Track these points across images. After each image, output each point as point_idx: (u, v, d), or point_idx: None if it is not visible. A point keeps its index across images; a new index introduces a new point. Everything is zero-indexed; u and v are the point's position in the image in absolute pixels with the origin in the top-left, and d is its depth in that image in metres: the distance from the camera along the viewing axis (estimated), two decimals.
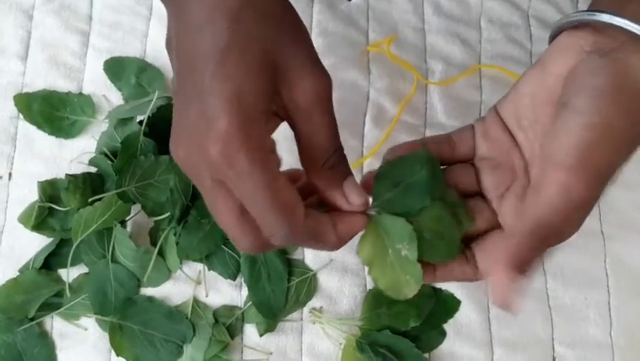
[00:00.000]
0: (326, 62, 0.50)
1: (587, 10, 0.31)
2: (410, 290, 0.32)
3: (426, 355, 0.43)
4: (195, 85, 0.26)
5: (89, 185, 0.44)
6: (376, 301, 0.43)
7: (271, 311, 0.43)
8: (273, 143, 0.30)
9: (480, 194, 0.34)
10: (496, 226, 0.33)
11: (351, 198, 0.30)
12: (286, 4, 0.29)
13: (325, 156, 0.29)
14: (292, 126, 0.29)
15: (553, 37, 0.33)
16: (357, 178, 0.47)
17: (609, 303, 0.45)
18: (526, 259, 0.30)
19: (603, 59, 0.29)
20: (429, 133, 0.48)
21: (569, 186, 0.28)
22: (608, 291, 0.46)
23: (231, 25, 0.26)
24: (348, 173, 0.30)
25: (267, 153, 0.27)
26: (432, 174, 0.32)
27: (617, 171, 0.30)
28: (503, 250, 0.30)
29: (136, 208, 0.45)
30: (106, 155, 0.45)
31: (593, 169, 0.29)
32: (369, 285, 0.45)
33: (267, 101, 0.27)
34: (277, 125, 0.30)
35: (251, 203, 0.27)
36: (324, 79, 0.29)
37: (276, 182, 0.26)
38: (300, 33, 0.29)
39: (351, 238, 0.30)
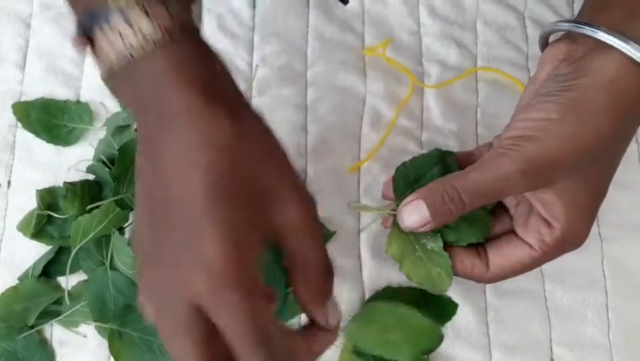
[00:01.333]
0: (322, 66, 0.50)
1: (565, 21, 0.34)
2: (443, 283, 0.34)
3: (424, 358, 0.43)
4: (179, 217, 0.27)
5: (87, 192, 0.44)
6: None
7: None
8: (261, 276, 0.29)
9: (500, 204, 0.38)
10: (511, 230, 0.36)
11: (330, 319, 0.31)
12: (268, 132, 0.30)
13: (317, 275, 0.30)
14: (281, 247, 0.29)
15: (542, 47, 0.36)
16: (355, 181, 0.47)
17: (607, 304, 0.45)
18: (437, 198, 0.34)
19: (569, 67, 0.32)
20: (425, 136, 0.48)
21: (505, 170, 0.32)
22: (606, 292, 0.46)
23: (218, 159, 0.27)
24: (331, 292, 0.31)
25: (258, 285, 0.27)
26: (446, 168, 0.34)
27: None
28: (519, 260, 0.35)
29: (134, 215, 0.45)
30: (103, 162, 0.46)
31: (527, 159, 0.31)
32: (367, 290, 0.45)
33: (260, 229, 0.28)
34: (265, 246, 0.30)
35: (231, 332, 0.26)
36: (311, 201, 0.30)
37: (260, 316, 0.27)
38: (283, 158, 0.30)
39: (323, 353, 0.31)
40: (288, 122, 0.48)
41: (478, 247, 0.36)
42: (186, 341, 0.27)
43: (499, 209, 0.37)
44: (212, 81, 0.29)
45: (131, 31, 0.28)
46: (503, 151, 0.32)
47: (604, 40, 0.31)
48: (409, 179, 0.35)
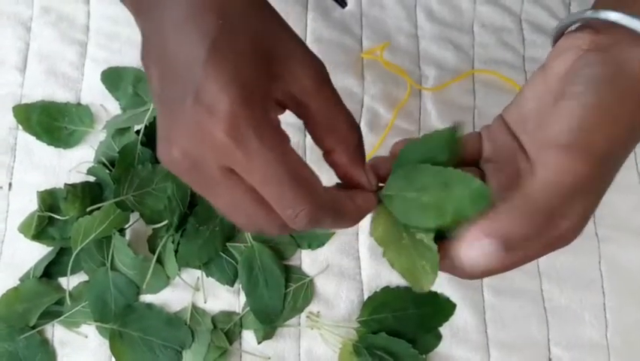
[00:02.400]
0: None
1: (588, 10, 0.31)
2: (427, 280, 0.29)
3: (422, 357, 0.43)
4: (185, 80, 0.26)
5: (87, 194, 0.45)
6: (376, 307, 0.44)
7: (269, 318, 0.44)
8: (278, 121, 0.29)
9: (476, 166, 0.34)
10: None
11: (370, 177, 0.30)
12: (269, 4, 0.29)
13: (351, 132, 0.29)
14: (303, 114, 0.29)
15: (555, 40, 0.33)
16: None
17: (604, 304, 0.46)
18: (514, 238, 0.27)
19: (600, 54, 0.29)
20: None
21: (565, 166, 0.27)
22: (603, 292, 0.46)
23: (219, 18, 0.26)
24: (365, 154, 0.30)
25: (276, 129, 0.26)
26: (453, 155, 0.30)
27: (620, 161, 0.29)
28: (492, 224, 0.28)
29: (134, 216, 0.46)
30: (104, 164, 0.46)
31: (591, 150, 0.27)
32: (366, 290, 0.45)
33: (265, 86, 0.27)
34: (281, 113, 0.29)
35: (266, 183, 0.26)
36: (320, 62, 0.29)
37: (289, 156, 0.26)
38: (284, 22, 0.29)
39: (367, 213, 0.30)
40: (287, 123, 0.48)
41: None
42: (240, 198, 0.27)
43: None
44: None
45: None
46: (567, 160, 0.28)
47: (637, 29, 0.28)
48: (414, 158, 0.31)
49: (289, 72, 0.28)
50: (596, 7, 0.33)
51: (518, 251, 0.28)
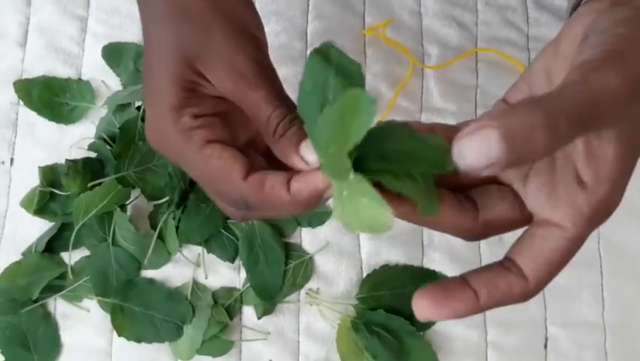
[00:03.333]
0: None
1: None
2: (383, 217, 0.23)
3: (420, 334, 0.44)
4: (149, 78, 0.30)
5: (88, 170, 0.45)
6: (375, 284, 0.44)
7: (269, 294, 0.44)
8: (195, 123, 0.29)
9: (495, 182, 0.29)
10: (521, 210, 0.28)
11: (307, 157, 0.27)
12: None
13: (273, 126, 0.28)
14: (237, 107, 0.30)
15: (571, 13, 0.31)
16: None
17: (602, 284, 0.46)
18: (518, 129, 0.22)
19: (621, 7, 0.27)
20: (425, 117, 0.48)
21: (595, 76, 0.23)
22: (601, 273, 0.46)
23: (153, 25, 0.30)
24: (302, 137, 0.27)
25: (187, 132, 0.28)
26: (342, 72, 0.26)
27: None
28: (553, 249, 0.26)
29: (136, 192, 0.46)
30: (105, 140, 0.46)
31: (627, 68, 0.23)
32: (365, 267, 0.46)
33: (185, 90, 0.29)
34: (209, 110, 0.30)
35: (195, 179, 0.29)
36: (249, 56, 0.29)
37: (199, 155, 0.27)
38: (214, 22, 0.29)
39: (308, 196, 0.26)
40: None
41: (505, 262, 0.27)
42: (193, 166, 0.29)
43: (494, 187, 0.29)
44: None
45: None
46: (600, 65, 0.23)
47: None
48: (314, 105, 0.26)
49: (214, 73, 0.29)
50: None
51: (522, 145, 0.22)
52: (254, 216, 0.30)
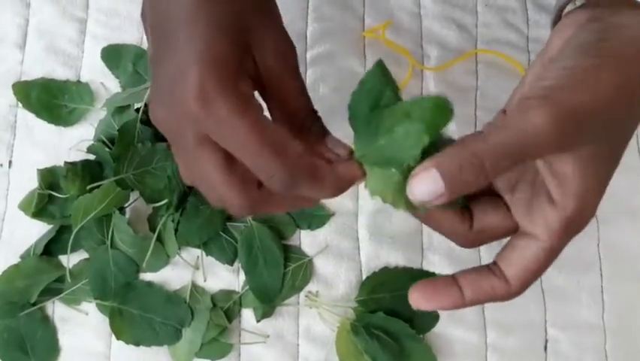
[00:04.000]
0: (322, 48, 0.50)
1: None
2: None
3: (420, 337, 0.43)
4: (169, 46, 0.27)
5: (87, 172, 0.45)
6: (375, 287, 0.44)
7: (268, 297, 0.44)
8: (251, 92, 0.29)
9: (491, 193, 0.32)
10: (512, 220, 0.31)
11: (337, 150, 0.30)
12: None
13: (301, 118, 0.30)
14: (265, 94, 0.30)
15: (554, 23, 0.33)
16: None
17: (602, 286, 0.46)
18: (453, 171, 0.27)
19: (598, 23, 0.28)
20: None
21: (537, 123, 0.26)
22: (601, 275, 0.46)
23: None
24: (326, 132, 0.31)
25: (246, 98, 0.27)
26: (393, 89, 0.30)
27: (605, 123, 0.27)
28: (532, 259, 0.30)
29: (134, 195, 0.46)
30: (104, 142, 0.46)
31: (563, 109, 0.26)
32: (365, 270, 0.46)
33: (238, 59, 0.28)
34: (252, 88, 0.30)
35: (238, 149, 0.26)
36: (292, 46, 0.30)
37: (259, 123, 0.26)
38: (268, 1, 0.30)
39: (348, 184, 0.29)
40: None
41: (490, 266, 0.31)
42: (207, 169, 0.27)
43: (489, 198, 0.32)
44: None
45: None
46: (532, 102, 0.26)
47: None
48: (365, 106, 0.30)
49: (264, 48, 0.29)
50: None
51: (459, 185, 0.27)
52: (271, 205, 0.29)
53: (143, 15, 0.31)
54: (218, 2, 0.28)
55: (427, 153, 0.28)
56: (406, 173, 0.28)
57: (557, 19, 0.33)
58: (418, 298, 0.30)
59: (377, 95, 0.30)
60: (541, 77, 0.28)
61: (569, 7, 0.32)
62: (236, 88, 0.27)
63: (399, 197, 0.28)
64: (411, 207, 0.28)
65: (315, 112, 0.31)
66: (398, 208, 0.29)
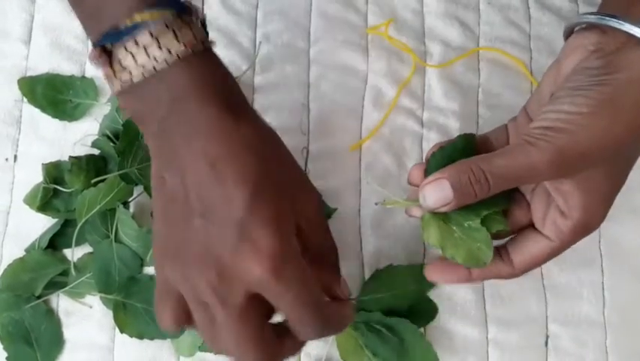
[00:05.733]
0: (325, 44, 0.51)
1: (592, 13, 0.33)
2: (486, 256, 0.35)
3: (421, 331, 0.44)
4: (224, 215, 0.29)
5: (92, 167, 0.45)
6: (378, 286, 0.44)
7: None
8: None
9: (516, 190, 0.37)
10: (529, 219, 0.37)
11: (345, 291, 0.36)
12: (276, 134, 0.34)
13: (333, 256, 0.35)
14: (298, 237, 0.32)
15: (566, 37, 0.36)
16: (356, 159, 0.47)
17: (603, 283, 0.46)
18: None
19: (600, 60, 0.32)
20: (427, 116, 0.49)
21: (533, 159, 0.31)
22: (602, 271, 0.47)
23: (258, 161, 0.30)
24: (339, 268, 0.36)
25: (301, 259, 0.30)
26: (471, 153, 0.34)
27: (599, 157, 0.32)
28: (540, 252, 0.35)
29: (138, 189, 0.46)
30: (108, 137, 0.46)
31: (558, 151, 0.31)
32: (367, 266, 0.46)
33: (291, 221, 0.31)
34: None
35: (293, 307, 0.30)
36: (318, 192, 0.35)
37: (311, 282, 0.30)
38: (292, 157, 0.34)
39: (350, 322, 0.34)
40: (291, 100, 0.48)
41: (500, 249, 0.37)
42: (246, 330, 0.29)
43: (518, 195, 0.37)
44: (229, 92, 0.32)
45: (156, 45, 0.29)
46: (532, 140, 0.32)
47: (637, 34, 0.31)
48: (439, 165, 0.35)
49: (302, 199, 0.32)
50: (601, 7, 0.35)
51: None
52: (284, 354, 0.32)
53: (159, 179, 0.31)
54: (270, 175, 0.30)
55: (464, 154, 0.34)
56: (462, 228, 0.35)
57: (569, 34, 0.35)
58: (431, 271, 0.37)
59: (453, 158, 0.34)
60: (541, 117, 0.32)
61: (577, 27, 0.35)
62: (297, 252, 0.30)
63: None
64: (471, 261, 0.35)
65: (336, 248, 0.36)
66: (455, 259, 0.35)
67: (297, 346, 0.33)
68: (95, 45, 0.31)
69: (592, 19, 0.33)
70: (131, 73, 0.30)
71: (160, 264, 0.32)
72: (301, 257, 0.30)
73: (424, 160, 0.39)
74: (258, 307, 0.30)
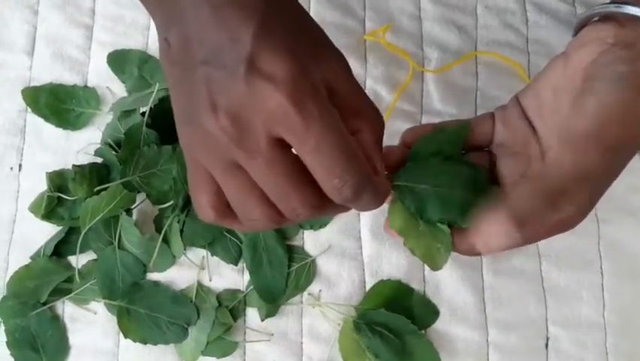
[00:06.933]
0: None
1: (611, 3, 0.31)
2: (442, 259, 0.33)
3: (422, 333, 0.44)
4: (232, 52, 0.26)
5: (95, 175, 0.46)
6: (377, 299, 0.45)
7: (272, 296, 0.45)
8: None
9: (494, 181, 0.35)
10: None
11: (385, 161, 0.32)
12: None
13: (376, 114, 0.31)
14: (331, 100, 0.28)
15: (577, 31, 0.34)
16: None
17: (602, 284, 0.46)
18: (527, 218, 0.31)
19: (625, 51, 0.30)
20: (425, 120, 0.49)
21: (580, 154, 0.30)
22: (602, 273, 0.47)
23: (266, 2, 0.27)
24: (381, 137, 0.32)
25: (328, 101, 0.27)
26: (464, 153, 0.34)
27: (631, 153, 0.32)
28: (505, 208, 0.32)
29: (141, 197, 0.47)
30: (111, 146, 0.47)
31: (606, 143, 0.30)
32: (367, 270, 0.46)
33: (314, 63, 0.27)
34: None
35: (320, 150, 0.25)
36: (343, 56, 0.30)
37: (342, 127, 0.26)
38: (310, 18, 0.31)
39: (386, 197, 0.30)
40: None
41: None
42: (283, 173, 0.26)
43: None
44: None
45: None
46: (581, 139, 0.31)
47: None
48: (429, 153, 0.34)
49: (325, 57, 0.28)
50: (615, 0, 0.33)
51: (529, 230, 0.31)
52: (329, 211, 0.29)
53: (167, 49, 0.28)
54: (281, 14, 0.27)
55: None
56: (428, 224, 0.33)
57: (580, 28, 0.34)
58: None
59: (443, 147, 0.34)
60: (580, 112, 0.31)
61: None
62: (322, 89, 0.27)
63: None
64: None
65: (380, 113, 0.31)
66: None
67: (339, 208, 0.29)
68: None
69: (612, 8, 0.31)
70: None
71: (181, 138, 0.29)
72: (323, 91, 0.26)
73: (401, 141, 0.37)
74: (289, 153, 0.26)
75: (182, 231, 0.45)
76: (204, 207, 0.29)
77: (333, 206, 0.28)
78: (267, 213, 0.28)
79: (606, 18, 0.32)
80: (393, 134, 0.48)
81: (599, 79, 0.31)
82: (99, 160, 0.47)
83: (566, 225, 0.32)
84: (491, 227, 0.32)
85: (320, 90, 0.26)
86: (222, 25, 0.26)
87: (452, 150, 0.34)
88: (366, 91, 0.49)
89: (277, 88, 0.25)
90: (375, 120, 0.30)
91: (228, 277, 0.46)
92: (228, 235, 0.46)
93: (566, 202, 0.31)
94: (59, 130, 0.49)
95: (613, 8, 0.31)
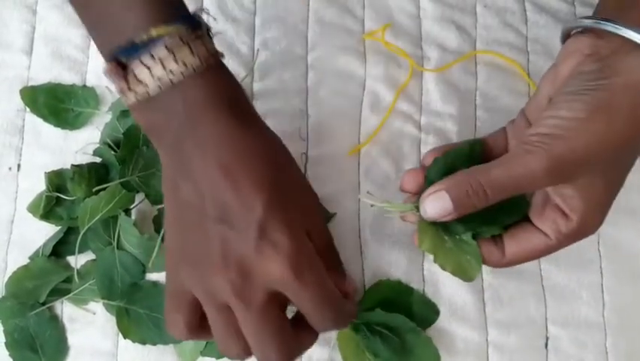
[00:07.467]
0: (322, 50, 0.51)
1: (588, 17, 0.33)
2: (474, 270, 0.36)
3: (421, 330, 0.44)
4: (243, 219, 0.31)
5: (94, 175, 0.45)
6: (376, 298, 0.45)
7: None
8: None
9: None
10: (542, 244, 0.37)
11: (351, 286, 0.37)
12: (282, 143, 0.36)
13: (335, 256, 0.39)
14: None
15: (563, 40, 0.36)
16: (355, 164, 0.48)
17: (602, 284, 0.46)
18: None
19: (596, 64, 0.32)
20: (425, 120, 0.49)
21: (531, 167, 0.32)
22: (601, 273, 0.47)
23: (274, 171, 0.32)
24: (344, 269, 0.39)
25: (317, 258, 0.32)
26: (475, 162, 0.35)
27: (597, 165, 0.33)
28: (535, 247, 0.36)
29: (140, 197, 0.47)
30: (109, 145, 0.47)
31: (556, 157, 0.31)
32: (367, 270, 0.46)
33: (303, 225, 0.33)
34: None
35: (312, 305, 0.32)
36: (317, 196, 0.39)
37: (327, 280, 0.33)
38: (294, 163, 0.36)
39: (354, 318, 0.39)
40: (289, 106, 0.49)
41: (497, 237, 0.37)
42: (269, 326, 0.31)
43: (520, 225, 0.38)
44: (239, 102, 0.33)
45: (172, 59, 0.30)
46: (530, 148, 0.32)
47: (633, 39, 0.31)
48: (441, 173, 0.36)
49: (307, 209, 0.34)
50: (597, 11, 0.35)
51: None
52: (301, 349, 0.35)
53: (171, 183, 0.33)
54: (284, 184, 0.33)
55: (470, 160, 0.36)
56: (454, 240, 0.36)
57: (565, 37, 0.36)
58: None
59: (457, 166, 0.36)
60: (538, 123, 0.33)
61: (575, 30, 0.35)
62: (313, 251, 0.32)
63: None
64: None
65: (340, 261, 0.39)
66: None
67: (312, 338, 0.35)
68: (109, 59, 0.32)
69: (588, 23, 0.33)
70: (147, 86, 0.31)
71: (174, 270, 0.33)
72: (317, 256, 0.32)
73: (420, 165, 0.39)
74: (277, 303, 0.32)
75: None
76: (179, 327, 0.33)
77: (300, 352, 0.35)
78: (243, 354, 0.33)
79: (587, 30, 0.34)
80: (393, 134, 0.48)
81: (568, 86, 0.32)
82: (98, 160, 0.47)
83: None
84: (520, 234, 0.36)
85: (313, 252, 0.32)
86: (234, 188, 0.31)
87: (464, 167, 0.35)
88: (365, 91, 0.50)
89: (282, 259, 0.30)
90: (340, 265, 0.38)
91: None
92: None
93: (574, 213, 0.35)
94: (58, 130, 0.49)
95: (589, 23, 0.33)
